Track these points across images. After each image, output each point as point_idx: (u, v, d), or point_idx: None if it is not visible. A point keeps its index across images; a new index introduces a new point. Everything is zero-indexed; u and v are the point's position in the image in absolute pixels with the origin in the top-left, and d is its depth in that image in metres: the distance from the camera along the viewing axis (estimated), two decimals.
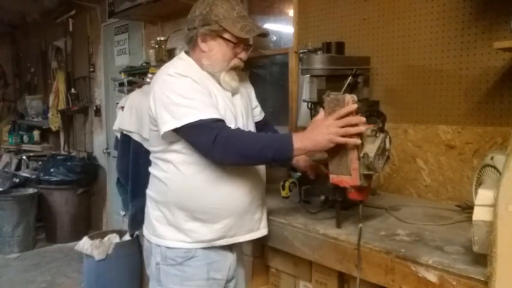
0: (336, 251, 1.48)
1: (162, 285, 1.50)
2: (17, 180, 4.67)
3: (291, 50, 2.62)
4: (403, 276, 1.29)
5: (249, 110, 1.64)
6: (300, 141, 1.31)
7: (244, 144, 1.34)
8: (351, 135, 1.30)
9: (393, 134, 2.05)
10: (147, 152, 1.62)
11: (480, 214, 1.11)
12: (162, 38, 3.42)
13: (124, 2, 3.45)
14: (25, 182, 4.73)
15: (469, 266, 1.19)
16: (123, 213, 3.31)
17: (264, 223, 1.62)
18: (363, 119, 1.32)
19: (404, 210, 1.77)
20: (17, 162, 5.36)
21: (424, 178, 2.02)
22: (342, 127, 1.29)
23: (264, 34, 1.54)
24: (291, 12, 2.68)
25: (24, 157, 5.38)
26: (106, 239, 3.05)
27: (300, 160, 1.68)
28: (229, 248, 1.54)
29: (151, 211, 1.55)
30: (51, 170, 4.63)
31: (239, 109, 1.55)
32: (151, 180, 1.57)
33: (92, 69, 4.89)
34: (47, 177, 4.61)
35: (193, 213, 1.45)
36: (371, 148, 1.35)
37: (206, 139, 1.33)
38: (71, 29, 5.12)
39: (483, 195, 1.12)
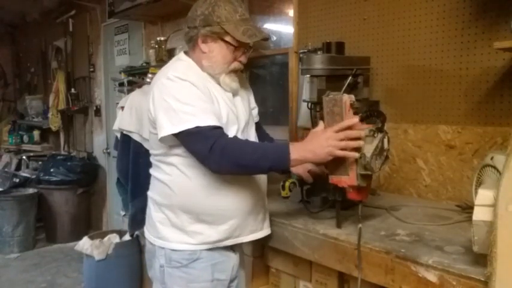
0: (336, 251, 1.48)
1: None
2: (17, 180, 4.67)
3: (291, 50, 2.62)
4: (403, 276, 1.29)
5: (250, 111, 1.63)
6: (298, 152, 1.30)
7: (241, 154, 1.32)
8: (350, 149, 1.29)
9: (393, 134, 2.06)
10: (147, 152, 1.61)
11: (480, 214, 1.11)
12: (162, 38, 3.42)
13: (124, 2, 3.45)
14: (25, 182, 4.73)
15: (469, 266, 1.19)
16: (123, 213, 3.31)
17: (266, 223, 1.62)
18: (363, 132, 1.32)
19: (404, 210, 1.77)
20: (17, 162, 5.36)
21: (424, 178, 2.02)
22: (342, 140, 1.28)
23: (266, 38, 1.52)
24: (291, 12, 2.68)
25: (24, 157, 5.38)
26: (106, 239, 3.06)
27: (298, 168, 1.67)
28: (232, 248, 1.54)
29: (154, 213, 1.53)
30: (51, 170, 4.63)
31: (241, 110, 1.54)
32: (153, 182, 1.56)
33: (92, 69, 4.89)
34: (47, 177, 4.61)
35: (199, 215, 1.45)
36: (368, 148, 1.36)
37: (202, 147, 1.31)
38: (71, 29, 5.12)
39: (483, 195, 1.12)
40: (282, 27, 2.88)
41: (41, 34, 5.85)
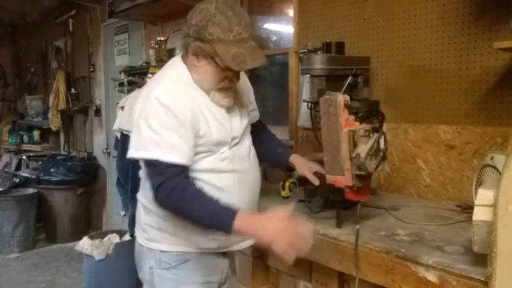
0: (336, 251, 1.48)
1: None
2: (17, 180, 4.67)
3: (291, 50, 2.62)
4: (403, 276, 1.29)
5: (248, 119, 1.56)
6: (245, 224, 1.23)
7: (187, 204, 1.29)
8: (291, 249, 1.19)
9: (393, 134, 2.06)
10: None
11: (480, 214, 1.11)
12: (162, 38, 3.42)
13: (124, 2, 3.45)
14: (25, 182, 4.73)
15: (469, 266, 1.19)
16: (123, 213, 3.32)
17: None
18: (311, 243, 1.25)
19: (404, 210, 1.77)
20: (17, 162, 5.36)
21: (424, 178, 2.02)
22: (293, 241, 1.19)
23: (257, 68, 1.40)
24: (291, 12, 2.68)
25: (24, 157, 5.38)
26: (106, 239, 3.05)
27: (304, 169, 1.67)
28: (223, 253, 1.53)
29: (143, 216, 1.50)
30: (51, 170, 4.63)
31: (235, 125, 1.47)
32: (143, 184, 1.51)
33: (92, 69, 4.89)
34: (47, 177, 4.61)
35: (187, 223, 1.41)
36: (363, 148, 1.36)
37: (154, 181, 1.30)
38: (71, 29, 5.12)
39: (483, 195, 1.12)
40: (282, 27, 2.88)
41: (41, 34, 5.85)
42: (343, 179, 1.39)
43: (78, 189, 4.69)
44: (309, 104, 1.92)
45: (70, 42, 5.22)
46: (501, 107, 1.77)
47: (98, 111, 4.83)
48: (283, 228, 1.19)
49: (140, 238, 1.53)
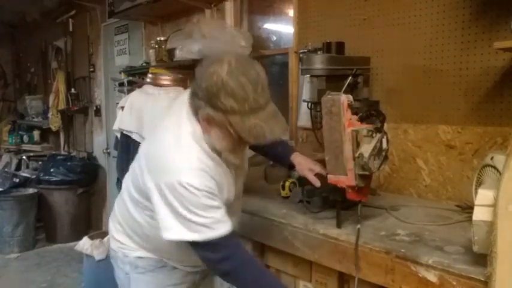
0: (336, 251, 1.48)
1: None
2: (17, 180, 4.66)
3: (291, 50, 2.62)
4: (403, 276, 1.29)
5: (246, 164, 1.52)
6: None
7: (251, 282, 1.28)
8: None
9: (393, 134, 2.06)
10: None
11: (480, 214, 1.11)
12: (162, 38, 3.41)
13: (124, 2, 3.45)
14: (25, 182, 4.72)
15: (469, 266, 1.19)
16: None
17: None
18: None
19: (404, 210, 1.77)
20: (17, 162, 5.37)
21: (424, 178, 2.02)
22: None
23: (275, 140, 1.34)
24: (291, 12, 2.68)
25: (24, 157, 5.39)
26: (106, 239, 3.04)
27: (304, 169, 1.67)
28: None
29: (117, 225, 1.50)
30: (51, 170, 4.63)
31: (239, 184, 1.46)
32: (120, 201, 1.50)
33: (92, 69, 4.89)
34: (47, 177, 4.61)
35: (163, 254, 1.43)
36: (366, 148, 1.36)
37: (216, 254, 1.25)
38: (71, 29, 5.13)
39: (483, 195, 1.12)
40: (282, 27, 2.88)
41: (41, 34, 5.85)
42: (346, 179, 1.39)
43: (78, 189, 4.69)
44: (309, 104, 1.92)
45: (70, 42, 5.22)
46: (501, 107, 1.77)
47: (97, 111, 4.83)
48: None
49: (114, 244, 1.51)
